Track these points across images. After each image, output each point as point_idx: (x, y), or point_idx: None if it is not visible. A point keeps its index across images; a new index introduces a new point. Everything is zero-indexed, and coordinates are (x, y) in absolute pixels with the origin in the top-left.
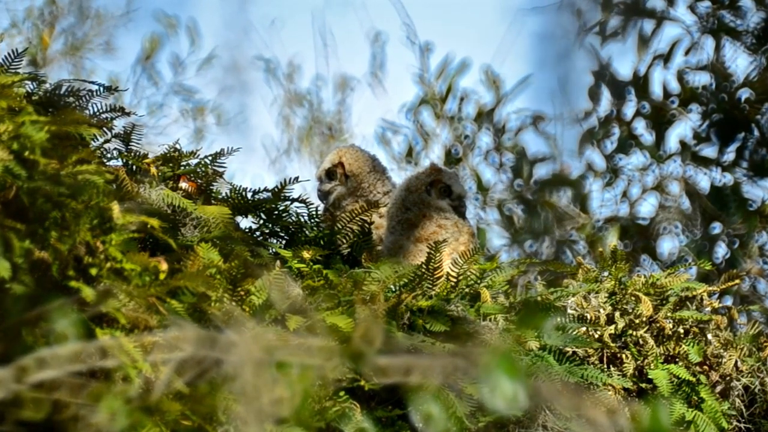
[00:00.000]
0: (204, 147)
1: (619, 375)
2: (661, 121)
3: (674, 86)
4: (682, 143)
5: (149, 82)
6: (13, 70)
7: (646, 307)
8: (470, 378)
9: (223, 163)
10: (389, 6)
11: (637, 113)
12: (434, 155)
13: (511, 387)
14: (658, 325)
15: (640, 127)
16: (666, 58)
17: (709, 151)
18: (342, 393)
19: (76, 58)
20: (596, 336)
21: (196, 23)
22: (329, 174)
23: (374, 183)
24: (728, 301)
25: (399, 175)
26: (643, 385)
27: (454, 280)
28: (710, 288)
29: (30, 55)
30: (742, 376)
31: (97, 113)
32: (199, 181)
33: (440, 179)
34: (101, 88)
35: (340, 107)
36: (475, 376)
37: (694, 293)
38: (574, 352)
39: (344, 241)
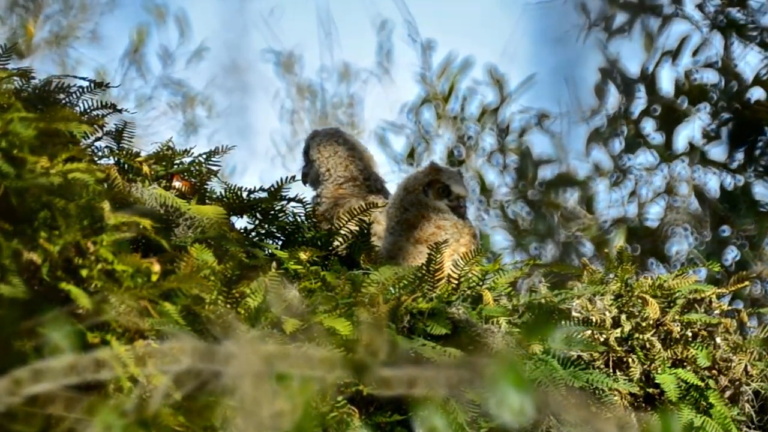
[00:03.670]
0: (197, 142)
1: (625, 379)
2: (669, 120)
3: (683, 84)
4: (691, 144)
5: (137, 75)
6: (1, 66)
7: (653, 310)
8: (475, 388)
9: (218, 161)
10: None
11: (645, 112)
12: (436, 156)
13: (517, 398)
14: (665, 328)
15: (649, 126)
16: (674, 55)
17: (719, 151)
18: (340, 398)
19: (61, 48)
20: (602, 339)
21: (186, 13)
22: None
23: (335, 167)
24: (739, 305)
25: (400, 178)
26: (650, 390)
27: (456, 282)
28: (719, 290)
29: (15, 47)
30: (752, 381)
31: (88, 110)
32: (193, 179)
33: (438, 179)
34: (92, 84)
35: (351, 100)
36: (480, 387)
37: (703, 296)
38: (578, 356)
39: (342, 241)
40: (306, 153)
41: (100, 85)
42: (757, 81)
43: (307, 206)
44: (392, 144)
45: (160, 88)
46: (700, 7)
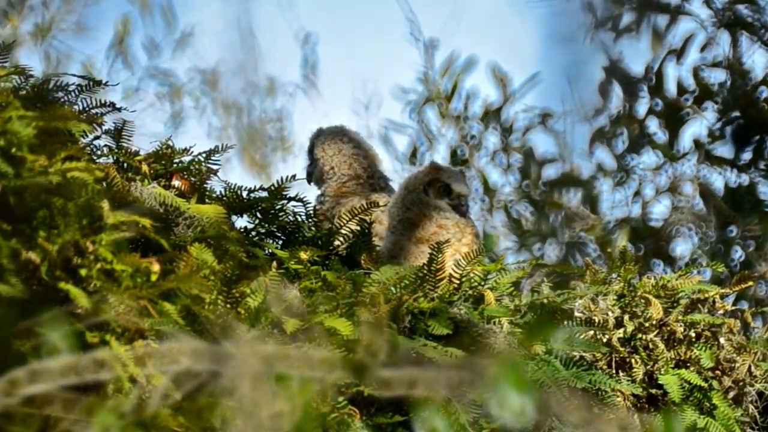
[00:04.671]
0: (185, 133)
1: (628, 380)
2: (674, 119)
3: (689, 83)
4: (697, 142)
5: (124, 66)
6: None
7: (656, 310)
8: (477, 389)
9: (218, 160)
10: (317, 5)
11: (650, 111)
12: (439, 156)
13: (519, 399)
14: (668, 328)
15: (653, 125)
16: (679, 53)
17: (724, 150)
18: (341, 399)
19: (47, 40)
20: (604, 340)
21: (171, 3)
22: (309, 155)
23: (338, 165)
24: (744, 305)
25: (403, 178)
26: (653, 391)
27: (457, 281)
28: (722, 290)
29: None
30: (756, 382)
31: (87, 108)
32: (192, 178)
33: (439, 178)
34: (90, 83)
35: (281, 115)
36: (481, 387)
37: (706, 296)
38: (581, 357)
39: (343, 240)
40: (310, 151)
41: (98, 84)
42: (765, 81)
43: (308, 205)
44: (395, 144)
45: (146, 79)
46: (708, 3)
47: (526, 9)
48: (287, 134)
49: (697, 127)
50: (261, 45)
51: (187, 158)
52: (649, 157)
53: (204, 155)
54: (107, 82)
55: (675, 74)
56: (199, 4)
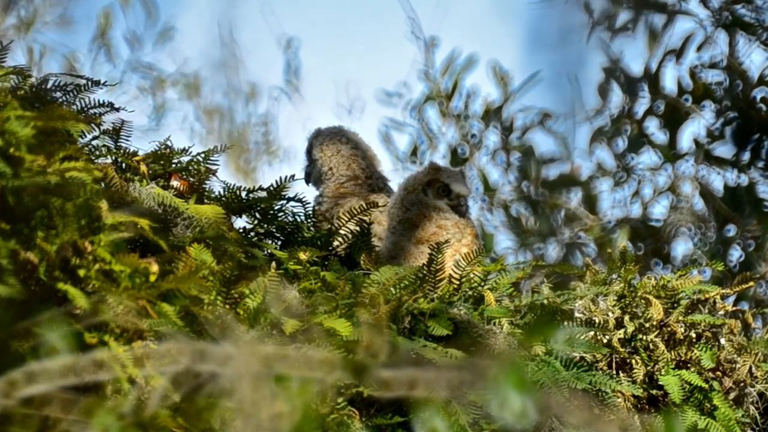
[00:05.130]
0: (168, 125)
1: (628, 381)
2: (674, 119)
3: (687, 83)
4: (696, 142)
5: (106, 59)
6: None
7: (656, 311)
8: (477, 390)
9: (216, 160)
10: (299, 10)
11: (649, 111)
12: (440, 155)
13: (519, 400)
14: (669, 329)
15: (652, 125)
16: (678, 53)
17: (724, 150)
18: (340, 400)
19: (31, 34)
20: (605, 340)
21: None
22: (307, 156)
23: (337, 166)
24: (744, 306)
25: (403, 176)
26: (654, 392)
27: (457, 282)
28: (723, 291)
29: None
30: (757, 383)
31: (85, 108)
32: (191, 179)
33: (438, 178)
34: (89, 82)
35: (266, 119)
36: (482, 388)
37: (707, 296)
38: (581, 358)
39: (342, 241)
40: (309, 152)
41: (97, 84)
42: (762, 80)
43: (307, 206)
44: (396, 142)
45: (129, 72)
46: (705, 2)
47: (524, 10)
48: (272, 138)
49: (696, 127)
50: (243, 50)
51: (185, 158)
52: (649, 157)
53: (203, 155)
54: (105, 81)
55: (674, 74)
56: None
